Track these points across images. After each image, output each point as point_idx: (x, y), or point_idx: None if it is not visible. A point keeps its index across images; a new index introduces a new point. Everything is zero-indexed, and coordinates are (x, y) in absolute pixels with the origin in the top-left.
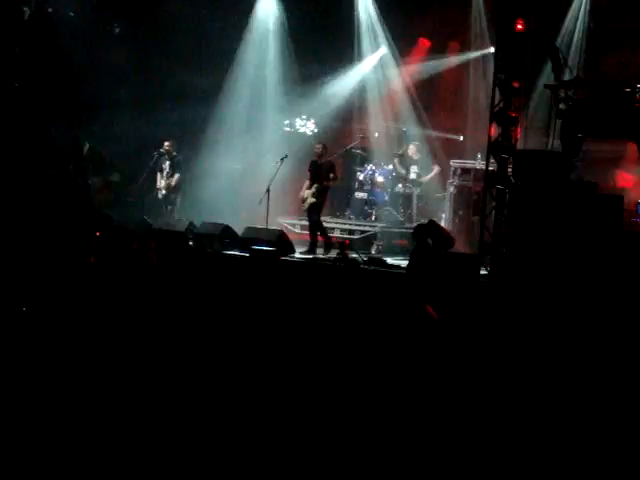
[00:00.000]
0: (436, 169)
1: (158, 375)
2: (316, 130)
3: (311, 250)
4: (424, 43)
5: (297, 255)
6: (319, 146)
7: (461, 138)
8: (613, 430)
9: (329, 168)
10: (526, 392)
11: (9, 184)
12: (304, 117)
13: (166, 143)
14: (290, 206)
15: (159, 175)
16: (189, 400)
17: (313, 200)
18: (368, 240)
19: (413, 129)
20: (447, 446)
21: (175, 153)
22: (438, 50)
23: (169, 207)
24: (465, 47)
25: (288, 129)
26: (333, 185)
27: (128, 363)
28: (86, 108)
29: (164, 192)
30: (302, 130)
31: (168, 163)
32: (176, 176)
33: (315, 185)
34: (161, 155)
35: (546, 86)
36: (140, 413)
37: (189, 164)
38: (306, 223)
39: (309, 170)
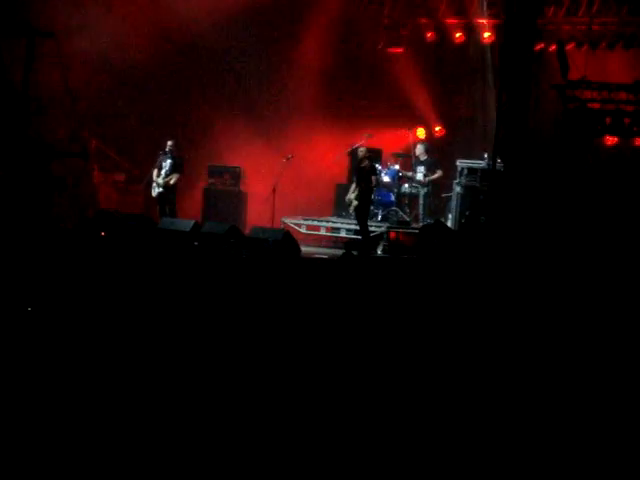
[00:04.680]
0: (438, 173)
1: (160, 370)
2: None
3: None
4: None
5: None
6: (363, 150)
7: None
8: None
9: (371, 171)
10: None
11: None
12: None
13: (169, 142)
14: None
15: (155, 172)
16: (194, 394)
17: (356, 203)
18: (375, 240)
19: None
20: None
21: (177, 153)
22: None
23: (167, 207)
24: None
25: None
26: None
27: (130, 361)
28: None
29: (160, 190)
30: None
31: (169, 162)
32: (175, 175)
33: (358, 188)
34: (165, 154)
35: (553, 86)
36: (142, 409)
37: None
38: (312, 223)
39: (354, 174)
